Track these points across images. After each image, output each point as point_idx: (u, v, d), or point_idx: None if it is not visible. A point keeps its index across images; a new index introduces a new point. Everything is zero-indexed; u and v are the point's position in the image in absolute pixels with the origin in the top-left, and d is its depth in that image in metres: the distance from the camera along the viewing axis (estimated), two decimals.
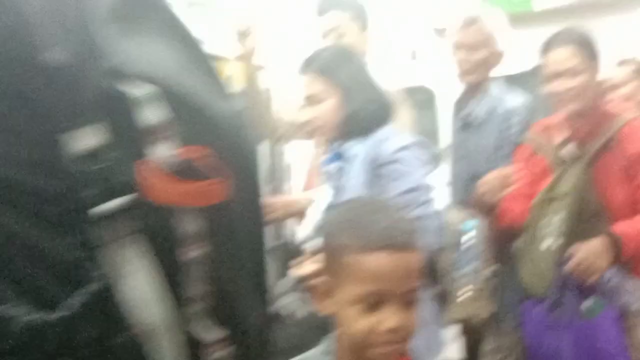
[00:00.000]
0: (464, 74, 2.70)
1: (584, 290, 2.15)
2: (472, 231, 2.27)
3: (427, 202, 2.06)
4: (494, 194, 2.38)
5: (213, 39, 3.74)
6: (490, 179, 2.40)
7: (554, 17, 4.32)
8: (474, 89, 2.71)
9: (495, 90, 2.70)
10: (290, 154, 4.26)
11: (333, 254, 1.24)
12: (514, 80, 3.66)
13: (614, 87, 2.99)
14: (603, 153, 2.25)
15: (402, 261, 1.18)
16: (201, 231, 0.88)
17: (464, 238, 2.26)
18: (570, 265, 2.11)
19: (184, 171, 0.84)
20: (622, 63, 3.11)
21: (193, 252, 0.88)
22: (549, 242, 2.19)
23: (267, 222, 2.29)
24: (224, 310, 0.93)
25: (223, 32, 2.79)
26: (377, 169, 2.02)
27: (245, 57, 2.72)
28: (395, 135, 2.11)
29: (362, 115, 2.06)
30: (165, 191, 0.83)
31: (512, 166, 2.50)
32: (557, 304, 2.17)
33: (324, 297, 1.24)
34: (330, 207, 2.07)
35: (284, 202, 2.67)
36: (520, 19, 4.28)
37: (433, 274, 2.17)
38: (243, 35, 2.67)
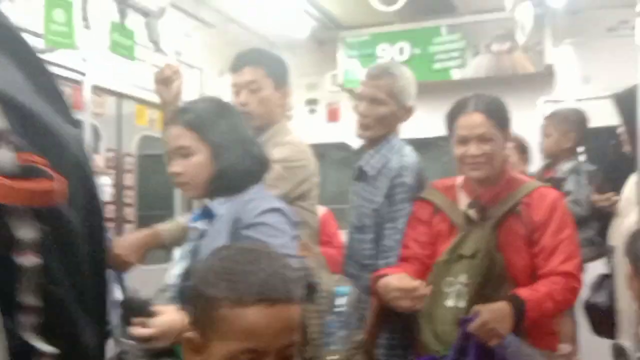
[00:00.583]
0: (361, 127, 2.59)
1: (484, 353, 2.11)
2: (345, 297, 2.20)
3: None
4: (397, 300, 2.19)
5: (138, 81, 3.77)
6: (391, 287, 2.18)
7: (471, 87, 4.53)
8: (373, 141, 2.60)
9: (392, 144, 2.59)
10: None
11: (204, 306, 1.11)
12: (430, 144, 3.82)
13: None
14: (508, 218, 2.25)
15: (280, 315, 1.08)
16: (35, 239, 0.88)
17: (337, 302, 2.20)
18: (473, 326, 2.08)
19: (20, 173, 0.86)
20: None
21: (26, 260, 0.87)
22: (451, 301, 2.19)
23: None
24: (56, 326, 0.91)
25: (148, 77, 2.77)
26: (241, 230, 1.91)
27: (168, 104, 2.67)
28: (263, 198, 2.02)
29: (231, 174, 1.98)
30: (1, 189, 0.83)
31: (408, 229, 2.42)
32: None
33: (194, 354, 1.12)
34: (186, 271, 1.94)
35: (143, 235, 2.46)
36: (440, 87, 4.49)
37: (303, 337, 2.11)
38: (166, 81, 2.64)
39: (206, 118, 2.01)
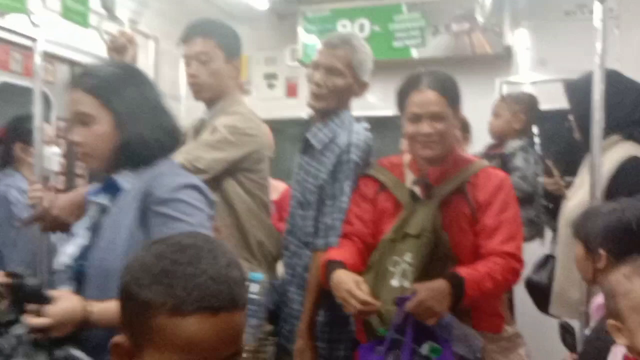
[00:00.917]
0: (314, 98, 2.45)
1: (423, 332, 2.05)
2: (257, 283, 2.10)
3: None
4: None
5: (92, 49, 3.66)
6: (345, 289, 2.06)
7: (431, 67, 4.54)
8: (324, 114, 2.48)
9: (342, 119, 2.47)
10: None
11: (137, 311, 0.97)
12: (388, 123, 3.82)
13: None
14: (453, 197, 2.21)
15: (225, 324, 0.96)
16: None
17: (250, 289, 2.09)
18: (409, 305, 2.01)
19: None
20: None
21: None
22: (396, 281, 2.13)
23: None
24: None
25: (101, 45, 2.69)
26: (153, 207, 1.74)
27: None
28: (177, 172, 1.86)
29: (138, 145, 1.81)
30: None
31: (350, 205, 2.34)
32: (396, 346, 2.06)
33: None
34: (87, 249, 1.78)
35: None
36: (400, 65, 4.49)
37: None
38: (120, 49, 2.57)
39: (110, 83, 1.82)
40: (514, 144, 3.52)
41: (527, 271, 3.02)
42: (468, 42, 4.44)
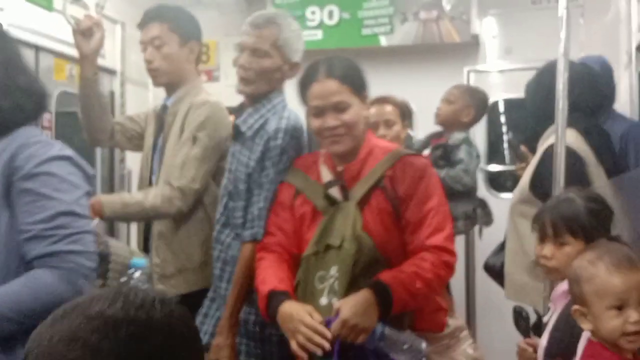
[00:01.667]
0: (242, 82, 2.31)
1: (356, 352, 1.91)
2: (140, 270, 2.03)
3: (80, 233, 1.57)
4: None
5: (57, 34, 3.61)
6: (296, 321, 1.93)
7: (399, 54, 4.57)
8: (254, 99, 2.35)
9: (274, 104, 2.33)
10: (132, 160, 4.16)
11: None
12: None
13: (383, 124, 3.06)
14: (373, 194, 2.04)
15: None
16: None
17: (131, 275, 2.02)
18: (333, 328, 1.86)
19: None
20: (382, 101, 3.15)
21: None
22: (325, 298, 1.96)
23: None
24: None
25: (67, 29, 2.65)
26: (17, 182, 1.55)
27: (87, 57, 2.57)
28: (45, 142, 1.63)
29: None
30: None
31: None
32: None
33: None
34: None
35: None
36: (368, 53, 4.50)
37: None
38: (86, 33, 2.53)
39: None
40: (458, 136, 3.45)
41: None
42: (436, 30, 4.47)
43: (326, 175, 2.14)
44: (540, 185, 2.57)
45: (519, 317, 2.39)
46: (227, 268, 2.33)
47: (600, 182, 2.43)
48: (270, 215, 2.18)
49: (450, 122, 3.51)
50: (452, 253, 2.04)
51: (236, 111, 2.44)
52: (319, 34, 4.62)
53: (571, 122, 2.41)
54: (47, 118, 3.66)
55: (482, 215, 3.45)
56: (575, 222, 1.87)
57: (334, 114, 2.03)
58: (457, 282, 4.26)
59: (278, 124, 2.26)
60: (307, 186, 2.13)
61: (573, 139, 2.51)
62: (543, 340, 1.91)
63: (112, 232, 4.13)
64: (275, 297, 1.99)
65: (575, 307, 1.59)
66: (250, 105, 2.36)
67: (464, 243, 3.79)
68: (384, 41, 4.57)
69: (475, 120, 3.58)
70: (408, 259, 2.01)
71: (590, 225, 1.87)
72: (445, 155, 3.41)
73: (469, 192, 3.41)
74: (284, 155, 2.25)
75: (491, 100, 4.55)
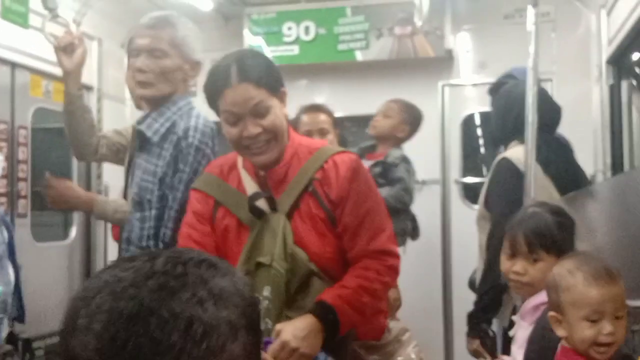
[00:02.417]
0: (140, 85, 2.18)
1: None
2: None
3: None
4: None
5: (34, 50, 3.61)
6: None
7: (374, 69, 4.62)
8: (156, 102, 2.22)
9: (180, 106, 2.22)
10: (109, 175, 4.16)
11: None
12: (338, 124, 3.86)
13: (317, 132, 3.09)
14: (303, 200, 1.85)
15: None
16: None
17: None
18: (270, 350, 1.67)
19: None
20: (315, 110, 3.20)
21: None
22: (261, 322, 1.68)
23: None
24: None
25: (44, 46, 2.65)
26: None
27: (71, 73, 2.56)
28: None
29: None
30: None
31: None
32: None
33: None
34: None
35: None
36: (344, 68, 4.55)
37: None
38: (67, 48, 2.53)
39: None
40: (395, 154, 3.44)
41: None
42: (411, 45, 4.53)
43: (248, 182, 1.91)
44: (490, 200, 2.64)
45: (486, 336, 2.41)
46: None
47: (543, 195, 2.45)
48: (187, 229, 1.94)
49: (385, 136, 3.52)
50: (395, 255, 1.89)
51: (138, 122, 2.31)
52: (295, 49, 4.65)
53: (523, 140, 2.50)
54: (23, 134, 3.65)
55: (411, 229, 3.51)
56: (549, 238, 1.88)
57: (253, 120, 1.81)
58: (434, 292, 4.28)
59: (187, 123, 2.16)
60: (228, 197, 1.91)
61: (519, 154, 2.55)
62: (517, 355, 1.92)
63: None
64: None
65: (552, 313, 1.62)
66: (153, 110, 2.24)
67: (440, 251, 3.83)
68: (359, 56, 4.62)
69: (408, 137, 3.60)
70: (348, 266, 1.85)
71: (562, 240, 1.88)
72: (384, 173, 3.39)
73: (405, 211, 3.43)
74: (199, 154, 2.13)
75: (466, 113, 4.64)
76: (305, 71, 4.56)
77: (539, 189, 2.48)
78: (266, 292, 1.78)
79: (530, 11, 2.41)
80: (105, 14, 4.24)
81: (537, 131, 2.36)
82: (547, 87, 4.20)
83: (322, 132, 3.12)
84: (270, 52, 4.52)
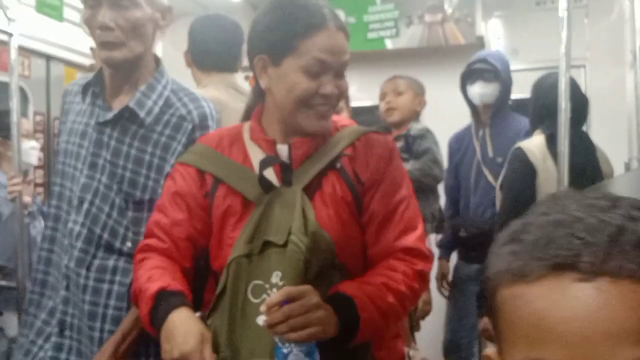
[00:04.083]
0: (105, 47, 1.70)
1: None
2: None
3: None
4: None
5: (68, 43, 3.67)
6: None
7: (405, 57, 4.61)
8: (129, 69, 1.77)
9: (164, 74, 1.83)
10: None
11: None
12: (365, 113, 3.87)
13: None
14: (325, 179, 1.50)
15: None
16: None
17: None
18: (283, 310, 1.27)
19: None
20: None
21: None
22: (264, 317, 1.30)
23: None
24: None
25: (78, 38, 2.70)
26: None
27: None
28: None
29: None
30: None
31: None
32: None
33: None
34: None
35: None
36: (375, 56, 4.54)
37: None
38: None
39: None
40: (417, 126, 3.15)
41: None
42: (441, 32, 4.51)
43: (257, 156, 1.53)
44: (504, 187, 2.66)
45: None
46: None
47: (552, 189, 2.45)
48: (156, 213, 1.58)
49: (406, 116, 3.20)
50: (427, 258, 1.51)
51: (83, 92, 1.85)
52: None
53: (545, 128, 2.53)
54: (58, 125, 3.73)
55: (438, 218, 3.15)
56: None
57: (333, 79, 1.49)
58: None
59: (199, 107, 1.77)
60: (230, 172, 1.53)
61: (532, 145, 2.61)
62: None
63: None
64: (165, 300, 1.39)
65: None
66: (122, 79, 1.78)
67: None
68: (389, 44, 4.62)
69: (422, 109, 3.32)
70: (369, 265, 1.51)
71: None
72: (407, 147, 3.05)
73: (433, 189, 3.07)
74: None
75: None
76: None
77: (550, 182, 2.49)
78: (275, 278, 1.39)
79: None
80: None
81: (553, 121, 2.36)
82: (580, 73, 4.17)
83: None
84: None
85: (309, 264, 1.40)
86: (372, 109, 3.90)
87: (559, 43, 2.40)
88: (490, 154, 3.24)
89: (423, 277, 1.50)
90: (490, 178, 3.15)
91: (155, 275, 1.44)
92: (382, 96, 3.25)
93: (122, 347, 1.63)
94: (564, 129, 2.33)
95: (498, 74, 3.21)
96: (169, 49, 4.33)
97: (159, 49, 4.04)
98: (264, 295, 1.38)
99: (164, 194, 1.59)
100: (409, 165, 2.94)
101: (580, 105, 2.67)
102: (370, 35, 4.62)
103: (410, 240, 1.50)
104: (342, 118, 1.71)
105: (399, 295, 1.43)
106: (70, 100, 1.89)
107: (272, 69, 1.50)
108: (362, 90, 4.27)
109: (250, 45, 1.56)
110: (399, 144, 2.95)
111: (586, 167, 2.63)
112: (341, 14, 4.80)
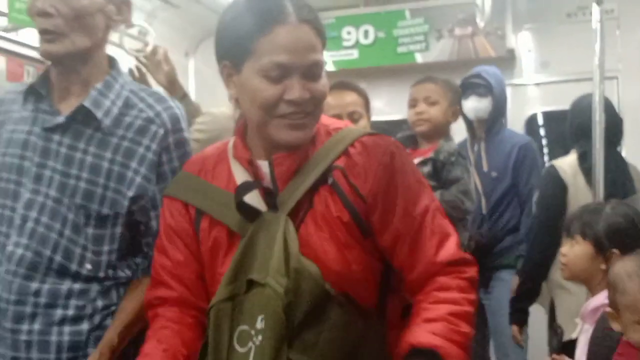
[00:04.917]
0: (47, 36, 1.50)
1: None
2: None
3: None
4: None
5: None
6: None
7: (435, 71, 4.60)
8: (70, 63, 1.55)
9: (120, 70, 1.64)
10: None
11: None
12: (396, 127, 3.87)
13: None
14: (317, 196, 1.31)
15: None
16: None
17: None
18: None
19: None
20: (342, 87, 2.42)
21: None
22: None
23: None
24: None
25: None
26: None
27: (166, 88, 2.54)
28: None
29: None
30: None
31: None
32: None
33: None
34: None
35: None
36: (405, 70, 4.54)
37: None
38: (154, 69, 2.56)
39: None
40: (448, 148, 2.61)
41: None
42: (471, 45, 4.50)
43: (240, 175, 1.36)
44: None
45: (554, 333, 2.43)
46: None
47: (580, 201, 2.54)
48: (157, 255, 1.43)
49: (438, 129, 2.71)
50: (472, 263, 1.36)
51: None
52: (355, 54, 4.68)
53: (579, 147, 2.59)
54: None
55: (466, 246, 2.70)
56: (578, 222, 2.04)
57: (302, 80, 1.26)
58: None
59: (168, 108, 1.59)
60: (212, 201, 1.36)
61: (565, 163, 2.73)
62: (581, 356, 1.93)
63: None
64: None
65: (609, 309, 1.66)
66: (70, 79, 1.57)
67: None
68: (419, 58, 4.61)
69: (455, 120, 2.83)
70: (410, 291, 1.35)
71: (592, 225, 2.00)
72: (434, 173, 2.58)
73: (464, 220, 2.64)
74: (188, 154, 1.60)
75: (529, 113, 4.57)
76: (364, 75, 4.56)
77: (579, 196, 2.53)
78: (260, 323, 1.22)
79: (595, 9, 2.38)
80: (169, 24, 4.35)
81: (587, 140, 2.35)
82: (613, 85, 4.12)
83: (353, 117, 2.38)
84: (329, 57, 4.56)
85: (291, 307, 1.22)
86: (402, 123, 3.89)
87: (590, 55, 2.39)
88: (485, 168, 3.28)
89: (474, 283, 1.34)
90: (480, 190, 3.22)
91: (152, 350, 1.33)
92: (412, 102, 2.77)
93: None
94: (599, 142, 2.31)
95: (491, 88, 3.27)
96: (201, 66, 4.38)
97: (191, 67, 4.11)
98: (250, 344, 1.23)
99: (160, 231, 1.44)
100: (437, 195, 2.47)
101: (614, 125, 2.66)
102: (400, 49, 4.63)
103: (450, 250, 1.32)
104: (335, 120, 1.47)
105: (468, 317, 1.28)
106: (5, 110, 1.65)
107: (237, 77, 1.31)
108: (392, 104, 4.26)
109: (215, 50, 1.37)
110: (426, 169, 2.57)
111: (617, 180, 2.63)
112: (370, 29, 4.84)
